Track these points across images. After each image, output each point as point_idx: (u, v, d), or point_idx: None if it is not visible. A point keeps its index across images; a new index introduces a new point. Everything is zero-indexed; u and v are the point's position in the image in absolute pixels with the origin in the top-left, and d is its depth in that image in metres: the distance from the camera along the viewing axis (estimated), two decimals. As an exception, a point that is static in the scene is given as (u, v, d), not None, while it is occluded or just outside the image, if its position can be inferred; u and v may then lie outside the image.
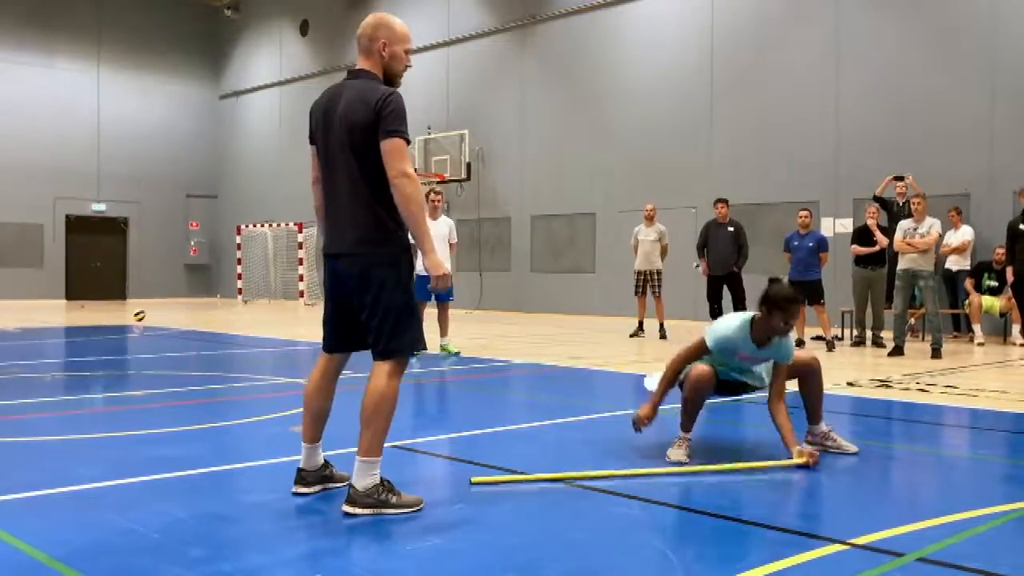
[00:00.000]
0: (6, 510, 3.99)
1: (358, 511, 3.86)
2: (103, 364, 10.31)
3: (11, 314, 19.70)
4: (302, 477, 4.22)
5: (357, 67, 4.12)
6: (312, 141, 4.16)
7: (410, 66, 4.18)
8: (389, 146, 3.84)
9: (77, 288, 26.87)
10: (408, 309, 4.01)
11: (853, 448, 5.33)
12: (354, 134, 3.90)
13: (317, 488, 4.21)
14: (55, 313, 20.91)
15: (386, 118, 3.85)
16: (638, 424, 5.23)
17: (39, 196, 26.03)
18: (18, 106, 25.66)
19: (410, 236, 3.99)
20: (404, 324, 3.97)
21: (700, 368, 5.19)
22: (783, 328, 4.99)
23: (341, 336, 4.17)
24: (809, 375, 5.33)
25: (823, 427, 5.43)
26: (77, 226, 27.01)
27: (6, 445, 5.50)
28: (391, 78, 4.10)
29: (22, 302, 24.93)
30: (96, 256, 27.56)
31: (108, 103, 27.41)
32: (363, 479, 3.89)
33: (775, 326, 4.98)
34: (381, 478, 3.93)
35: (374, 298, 3.94)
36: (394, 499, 3.91)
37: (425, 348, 4.21)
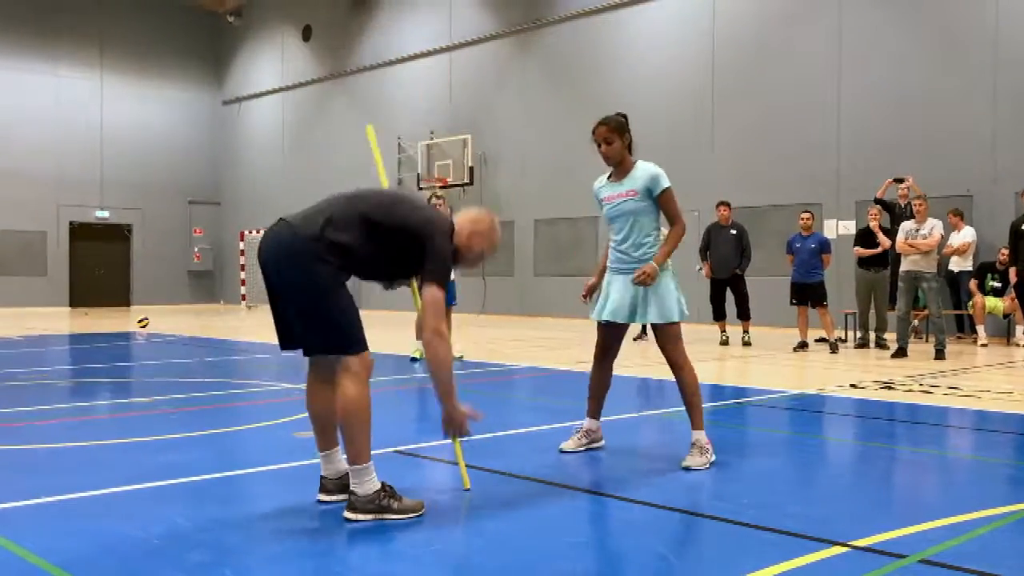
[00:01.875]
0: (9, 518, 4.00)
1: (360, 517, 3.87)
2: (107, 371, 10.33)
3: (15, 321, 19.74)
4: (324, 485, 4.20)
5: None
6: None
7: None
8: (428, 295, 3.94)
9: (81, 295, 26.91)
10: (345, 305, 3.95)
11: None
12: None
13: (339, 496, 4.11)
14: (59, 320, 20.95)
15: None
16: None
17: (42, 203, 26.08)
18: (21, 114, 25.72)
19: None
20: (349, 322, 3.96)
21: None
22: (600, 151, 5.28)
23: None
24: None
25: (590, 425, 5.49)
26: (80, 233, 27.06)
27: (10, 452, 5.51)
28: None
29: (26, 310, 24.97)
30: (100, 263, 27.60)
31: (111, 110, 27.47)
32: (362, 485, 3.89)
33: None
34: (382, 483, 3.94)
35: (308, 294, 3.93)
36: (395, 504, 3.92)
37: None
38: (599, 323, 5.40)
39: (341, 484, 4.13)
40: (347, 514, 3.89)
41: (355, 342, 3.91)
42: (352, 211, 3.94)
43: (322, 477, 4.21)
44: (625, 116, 5.31)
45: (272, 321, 4.13)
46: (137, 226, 28.17)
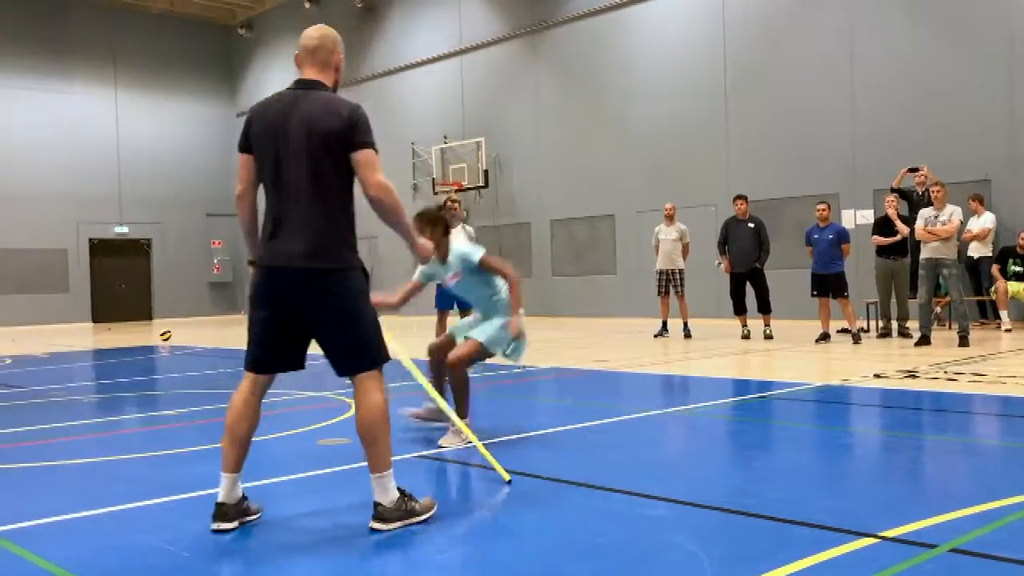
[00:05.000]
0: (39, 533, 4.03)
1: (390, 526, 3.84)
2: (132, 385, 10.40)
3: (39, 339, 19.91)
4: (223, 512, 3.92)
5: (307, 78, 4.01)
6: (245, 150, 3.96)
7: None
8: (364, 157, 3.81)
9: (103, 311, 27.11)
10: (375, 317, 3.99)
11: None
12: (321, 142, 3.79)
13: (236, 523, 3.93)
14: (82, 336, 21.11)
15: (360, 130, 3.82)
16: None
17: (62, 221, 26.30)
18: (38, 133, 25.94)
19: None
20: (377, 333, 3.96)
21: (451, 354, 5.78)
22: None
23: (279, 353, 3.98)
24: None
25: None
26: (100, 249, 27.27)
27: (39, 469, 5.56)
28: (335, 91, 4.08)
29: (49, 327, 25.20)
30: (120, 278, 27.80)
31: (126, 126, 27.67)
32: (386, 494, 3.87)
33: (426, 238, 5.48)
34: (400, 489, 3.94)
35: (339, 309, 3.85)
36: (418, 506, 3.93)
37: (388, 358, 4.05)
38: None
39: (240, 509, 3.96)
40: (376, 525, 3.85)
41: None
42: None
43: (220, 503, 3.92)
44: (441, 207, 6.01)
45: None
46: (156, 240, 28.37)
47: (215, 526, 3.89)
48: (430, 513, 3.95)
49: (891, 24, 15.36)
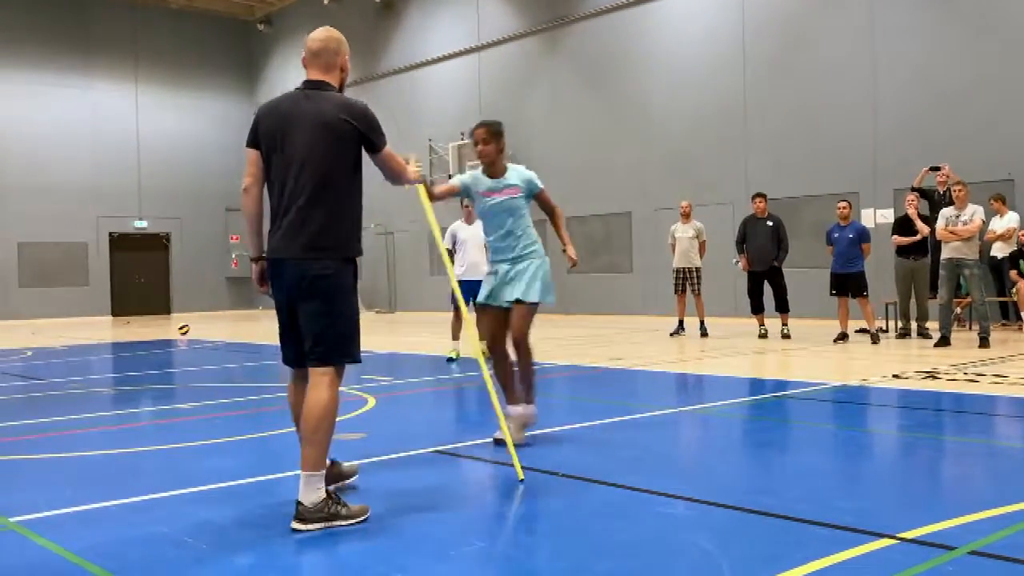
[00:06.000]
0: (59, 523, 4.06)
1: (308, 527, 3.81)
2: (150, 378, 10.46)
3: (59, 331, 20.07)
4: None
5: (314, 79, 4.17)
6: (254, 145, 4.14)
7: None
8: (388, 154, 4.13)
9: (122, 304, 27.30)
10: (355, 316, 4.05)
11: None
12: (326, 140, 3.96)
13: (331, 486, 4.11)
14: (102, 330, 21.27)
15: (377, 131, 4.08)
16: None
17: (82, 215, 26.50)
18: (59, 128, 26.15)
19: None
20: (351, 331, 4.00)
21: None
22: (476, 150, 5.56)
23: (299, 347, 4.09)
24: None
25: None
26: (120, 243, 27.45)
27: (59, 460, 5.61)
28: (341, 91, 4.23)
29: (69, 320, 25.40)
30: (140, 272, 27.99)
31: (146, 121, 27.84)
32: (311, 494, 3.83)
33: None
34: (327, 491, 3.89)
35: (322, 302, 3.94)
36: (344, 510, 3.88)
37: (360, 360, 4.10)
38: (481, 308, 5.72)
39: (330, 474, 4.16)
40: (295, 525, 3.82)
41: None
42: None
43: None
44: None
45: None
46: (175, 235, 28.53)
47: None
48: (359, 519, 3.89)
49: (912, 22, 15.24)
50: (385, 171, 4.19)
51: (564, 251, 5.84)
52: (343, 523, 3.85)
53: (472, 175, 5.72)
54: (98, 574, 3.33)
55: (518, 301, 5.51)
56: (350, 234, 4.04)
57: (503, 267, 5.67)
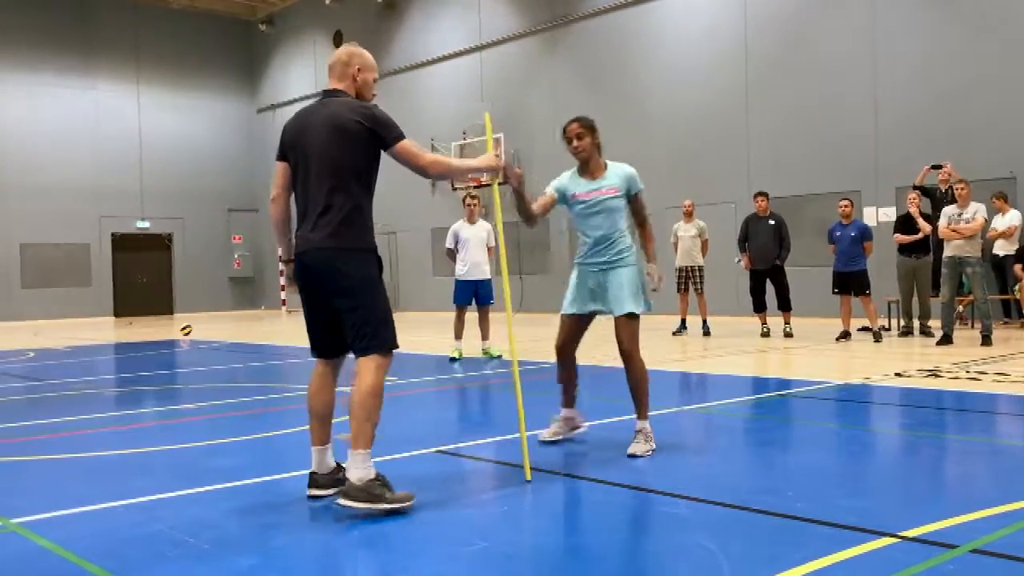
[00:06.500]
0: (60, 523, 4.07)
1: (353, 504, 3.94)
2: (153, 379, 10.47)
3: (61, 332, 20.09)
4: (315, 480, 4.35)
5: (330, 88, 4.39)
6: (282, 158, 4.41)
7: (376, 94, 4.47)
8: (403, 148, 4.21)
9: (125, 305, 27.33)
10: (384, 304, 4.21)
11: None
12: (339, 140, 4.16)
13: (330, 491, 4.29)
14: (104, 330, 21.29)
15: (385, 126, 4.22)
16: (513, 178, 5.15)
17: (85, 216, 26.53)
18: (62, 129, 26.19)
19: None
20: (383, 319, 4.16)
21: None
22: (570, 148, 5.33)
23: (328, 338, 4.33)
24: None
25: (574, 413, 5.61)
26: (122, 244, 27.48)
27: (61, 461, 5.62)
28: (357, 97, 4.40)
29: (72, 320, 25.43)
30: (142, 272, 28.02)
31: (148, 122, 27.87)
32: (357, 471, 3.97)
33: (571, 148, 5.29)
34: (376, 473, 4.01)
35: (352, 298, 4.13)
36: (388, 495, 3.98)
37: (397, 345, 4.27)
38: (565, 316, 5.58)
39: (332, 479, 4.33)
40: (340, 501, 3.98)
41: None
42: None
43: (313, 473, 4.37)
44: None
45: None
46: (177, 235, 28.55)
47: (309, 493, 4.32)
48: (400, 505, 3.98)
49: (914, 20, 15.23)
50: (408, 166, 4.29)
51: (648, 272, 5.44)
52: (386, 506, 3.95)
53: (567, 176, 5.44)
54: (98, 574, 3.34)
55: (622, 315, 5.25)
56: (367, 227, 4.25)
57: (592, 276, 5.42)
